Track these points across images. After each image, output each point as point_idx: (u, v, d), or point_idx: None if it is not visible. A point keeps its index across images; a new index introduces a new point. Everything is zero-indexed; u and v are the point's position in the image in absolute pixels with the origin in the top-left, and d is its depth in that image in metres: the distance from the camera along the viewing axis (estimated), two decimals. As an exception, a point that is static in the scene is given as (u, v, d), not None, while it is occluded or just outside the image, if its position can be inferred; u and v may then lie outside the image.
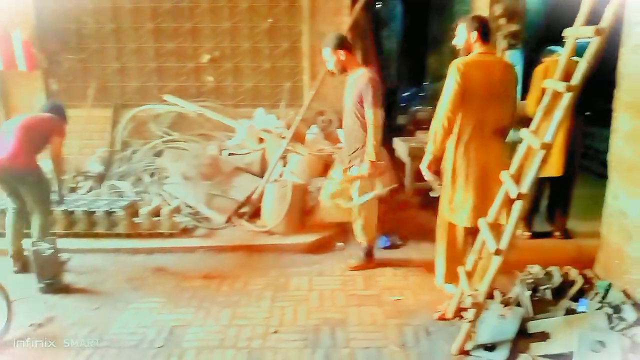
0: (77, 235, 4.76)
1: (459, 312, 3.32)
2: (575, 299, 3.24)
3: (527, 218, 4.64)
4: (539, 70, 4.39)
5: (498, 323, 3.06)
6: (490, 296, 3.28)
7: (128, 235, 4.79)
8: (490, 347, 2.91)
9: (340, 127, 6.16)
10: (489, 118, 3.28)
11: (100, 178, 5.83)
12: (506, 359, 2.81)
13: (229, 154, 5.74)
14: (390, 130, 6.81)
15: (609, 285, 3.22)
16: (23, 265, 4.20)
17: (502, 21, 5.38)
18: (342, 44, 3.84)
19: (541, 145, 2.73)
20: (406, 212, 5.37)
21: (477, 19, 3.41)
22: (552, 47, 4.57)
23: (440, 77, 9.82)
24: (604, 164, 3.79)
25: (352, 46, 3.93)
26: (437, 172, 3.52)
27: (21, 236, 4.23)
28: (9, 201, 4.21)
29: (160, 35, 6.17)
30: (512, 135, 5.23)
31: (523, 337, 2.96)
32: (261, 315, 3.50)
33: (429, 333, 3.23)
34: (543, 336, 2.92)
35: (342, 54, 3.84)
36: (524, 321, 3.06)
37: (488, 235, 2.93)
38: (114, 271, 4.28)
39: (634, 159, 3.26)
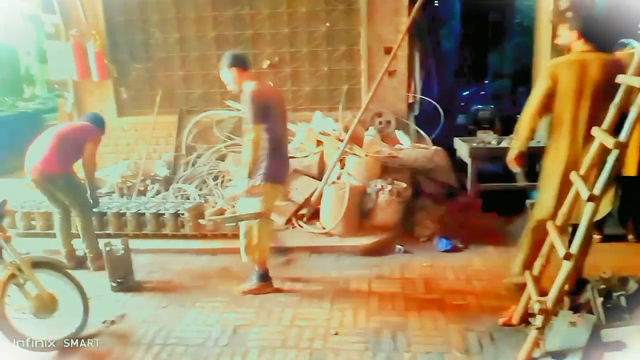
0: (146, 236, 4.97)
1: (525, 319, 3.20)
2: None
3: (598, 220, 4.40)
4: None
5: (568, 331, 2.91)
6: (559, 302, 3.13)
7: (193, 237, 4.95)
8: (560, 356, 2.77)
9: (399, 128, 6.12)
10: (582, 117, 3.18)
11: (167, 181, 6.06)
12: (578, 369, 2.67)
13: (289, 157, 5.80)
14: (449, 131, 6.68)
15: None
16: (77, 263, 4.44)
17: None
18: (234, 62, 3.70)
19: (615, 144, 2.57)
20: (468, 214, 5.22)
21: (578, 19, 3.31)
22: (625, 40, 4.31)
23: (502, 75, 9.59)
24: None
25: (247, 62, 3.78)
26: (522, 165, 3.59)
27: (70, 237, 4.50)
28: (53, 206, 4.46)
29: (222, 43, 6.34)
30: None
31: (595, 346, 2.80)
32: (322, 316, 3.51)
33: (493, 339, 3.13)
34: (618, 346, 2.75)
35: (235, 72, 3.70)
36: (596, 329, 2.89)
37: (557, 239, 2.80)
38: (180, 271, 4.44)
39: None
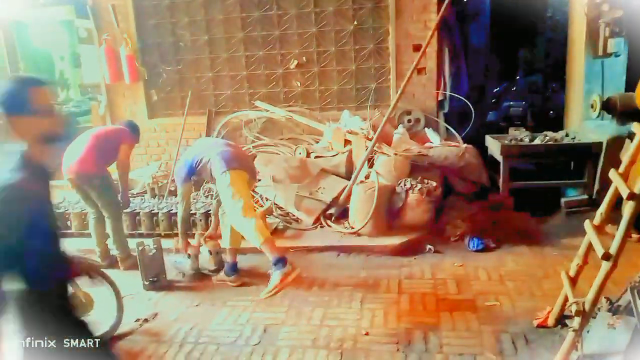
0: (177, 235, 5.02)
1: (561, 320, 3.12)
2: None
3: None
4: None
5: (607, 333, 2.82)
6: (597, 303, 3.04)
7: (223, 236, 4.99)
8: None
9: (428, 126, 6.05)
10: None
11: (197, 181, 6.12)
12: (618, 373, 2.59)
13: (316, 157, 5.81)
14: (480, 128, 6.58)
15: None
16: (110, 262, 4.58)
17: (605, 7, 4.99)
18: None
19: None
20: (500, 213, 5.13)
21: None
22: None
23: (534, 71, 9.39)
24: None
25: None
26: None
27: (104, 237, 4.63)
28: (87, 206, 4.60)
29: (250, 43, 6.39)
30: (620, 128, 4.86)
31: (636, 349, 2.71)
32: (352, 316, 3.50)
33: (528, 341, 3.06)
34: (661, 349, 2.65)
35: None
36: (637, 332, 2.80)
37: (595, 238, 2.72)
38: (211, 270, 4.47)
39: None
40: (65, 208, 5.36)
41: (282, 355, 3.09)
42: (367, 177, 5.19)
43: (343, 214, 5.16)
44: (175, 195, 5.80)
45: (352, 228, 4.91)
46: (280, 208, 5.42)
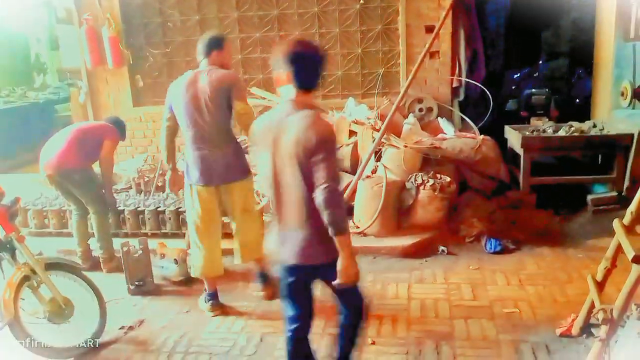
0: (165, 235, 5.06)
1: (587, 329, 3.13)
2: None
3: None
4: None
5: (637, 343, 2.84)
6: (626, 311, 3.06)
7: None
8: (627, 372, 2.70)
9: (441, 115, 6.05)
10: None
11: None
12: (648, 387, 2.60)
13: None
14: (499, 118, 6.57)
15: None
16: (92, 264, 4.60)
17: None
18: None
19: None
20: (520, 211, 5.13)
21: None
22: None
23: (558, 55, 9.37)
24: None
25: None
26: None
27: (87, 236, 4.67)
28: (69, 204, 4.66)
29: (245, 24, 6.39)
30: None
31: (669, 361, 2.72)
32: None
33: (550, 352, 3.08)
34: (696, 361, 2.67)
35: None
36: (670, 342, 2.81)
37: (624, 239, 2.73)
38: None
39: None
40: (42, 205, 5.38)
41: (280, 367, 3.11)
42: (374, 171, 5.20)
43: (347, 212, 5.17)
44: (163, 191, 5.82)
45: (358, 227, 4.92)
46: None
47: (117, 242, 4.40)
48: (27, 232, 5.16)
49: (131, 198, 5.56)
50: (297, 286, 2.54)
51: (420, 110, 6.10)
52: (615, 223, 2.89)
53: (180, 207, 5.07)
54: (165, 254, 4.38)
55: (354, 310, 2.66)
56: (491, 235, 4.69)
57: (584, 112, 6.51)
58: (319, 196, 2.22)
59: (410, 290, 3.98)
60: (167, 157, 3.90)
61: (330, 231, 2.25)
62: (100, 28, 6.33)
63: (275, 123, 2.39)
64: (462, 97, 6.30)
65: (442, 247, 4.66)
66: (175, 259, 4.30)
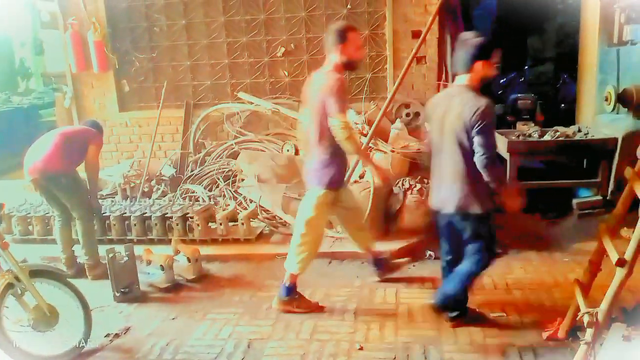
0: (151, 241, 5.03)
1: (573, 332, 3.16)
2: None
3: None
4: None
5: (622, 346, 2.87)
6: (611, 314, 3.09)
7: (203, 242, 5.00)
8: (613, 374, 2.73)
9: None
10: None
11: (174, 182, 6.12)
12: (633, 389, 2.63)
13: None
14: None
15: None
16: (77, 271, 4.56)
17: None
18: None
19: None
20: (506, 216, 5.16)
21: None
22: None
23: (544, 60, 9.46)
24: None
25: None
26: None
27: (71, 243, 4.62)
28: (52, 210, 4.60)
29: (232, 28, 6.37)
30: (637, 123, 4.92)
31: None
32: (345, 329, 3.52)
33: (537, 355, 3.10)
34: (680, 364, 2.70)
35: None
36: (655, 345, 2.84)
37: (609, 243, 2.76)
38: (189, 279, 4.47)
39: None
40: (27, 212, 5.33)
41: (268, 373, 3.11)
42: (361, 176, 5.21)
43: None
44: (149, 197, 5.79)
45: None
46: (265, 211, 5.42)
47: (102, 249, 4.35)
48: (11, 239, 5.11)
49: (117, 204, 5.52)
50: (449, 227, 3.36)
51: (408, 115, 6.12)
52: (600, 227, 2.92)
53: (167, 213, 5.06)
54: (151, 260, 4.36)
55: (479, 258, 3.27)
56: (478, 239, 4.71)
57: (569, 116, 6.58)
58: (479, 162, 3.01)
59: (398, 295, 3.99)
60: None
61: (492, 186, 3.10)
62: (85, 32, 6.29)
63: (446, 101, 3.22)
64: (448, 102, 6.33)
65: (429, 252, 4.67)
66: (161, 265, 4.27)
